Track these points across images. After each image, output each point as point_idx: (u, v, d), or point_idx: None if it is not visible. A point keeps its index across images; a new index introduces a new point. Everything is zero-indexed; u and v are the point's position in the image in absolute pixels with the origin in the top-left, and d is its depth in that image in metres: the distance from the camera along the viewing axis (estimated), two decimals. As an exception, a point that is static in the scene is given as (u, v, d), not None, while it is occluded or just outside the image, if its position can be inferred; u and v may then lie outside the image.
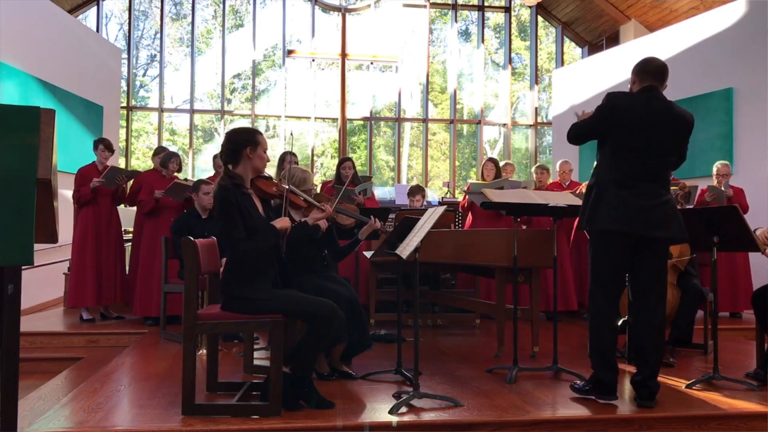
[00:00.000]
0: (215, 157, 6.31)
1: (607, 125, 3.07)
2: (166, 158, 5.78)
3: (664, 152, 3.04)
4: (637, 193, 2.98)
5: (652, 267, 3.07)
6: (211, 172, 6.35)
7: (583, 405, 2.99)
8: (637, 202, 2.97)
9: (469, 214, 6.29)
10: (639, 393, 3.02)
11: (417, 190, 6.20)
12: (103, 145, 5.70)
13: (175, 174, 5.89)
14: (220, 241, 3.26)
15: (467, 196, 6.11)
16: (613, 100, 3.08)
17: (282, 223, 2.90)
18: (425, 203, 6.32)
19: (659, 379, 3.29)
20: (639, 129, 3.01)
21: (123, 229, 5.97)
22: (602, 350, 3.04)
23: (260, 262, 2.89)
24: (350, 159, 5.98)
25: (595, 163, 3.19)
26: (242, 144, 2.90)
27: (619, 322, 4.05)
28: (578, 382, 3.22)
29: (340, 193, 3.97)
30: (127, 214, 6.25)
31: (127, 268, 5.97)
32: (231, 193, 2.82)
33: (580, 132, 3.20)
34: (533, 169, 6.52)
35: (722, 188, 5.92)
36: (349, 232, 3.86)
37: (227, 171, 2.93)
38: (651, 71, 3.12)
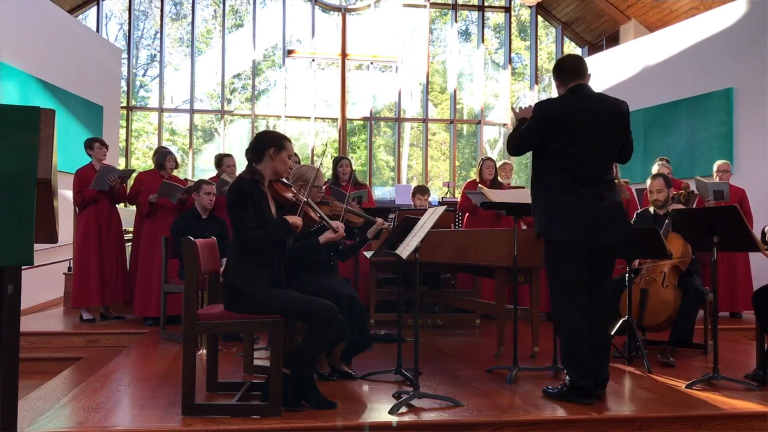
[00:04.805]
0: (222, 157, 6.23)
1: (542, 136, 3.06)
2: (161, 158, 5.78)
3: (605, 149, 3.05)
4: (582, 200, 2.99)
5: (600, 267, 3.09)
6: (211, 172, 6.35)
7: (583, 405, 2.97)
8: (584, 209, 2.98)
9: (467, 215, 6.28)
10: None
11: (424, 190, 6.31)
12: (99, 143, 5.70)
13: (173, 173, 5.89)
14: (220, 241, 3.27)
15: (467, 196, 6.07)
16: (542, 110, 3.06)
17: (294, 219, 2.93)
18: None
19: (659, 378, 3.28)
20: (573, 132, 3.00)
21: (123, 228, 5.96)
22: (575, 356, 3.01)
23: (264, 257, 2.90)
24: (346, 157, 5.98)
25: (531, 168, 3.19)
26: (268, 144, 2.96)
27: (619, 323, 4.06)
28: (550, 387, 3.16)
29: (346, 200, 4.06)
30: (127, 214, 6.25)
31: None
32: (248, 185, 2.87)
33: (517, 145, 3.18)
34: None
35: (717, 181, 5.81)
36: (354, 233, 3.91)
37: (249, 166, 2.99)
38: (570, 69, 3.11)
